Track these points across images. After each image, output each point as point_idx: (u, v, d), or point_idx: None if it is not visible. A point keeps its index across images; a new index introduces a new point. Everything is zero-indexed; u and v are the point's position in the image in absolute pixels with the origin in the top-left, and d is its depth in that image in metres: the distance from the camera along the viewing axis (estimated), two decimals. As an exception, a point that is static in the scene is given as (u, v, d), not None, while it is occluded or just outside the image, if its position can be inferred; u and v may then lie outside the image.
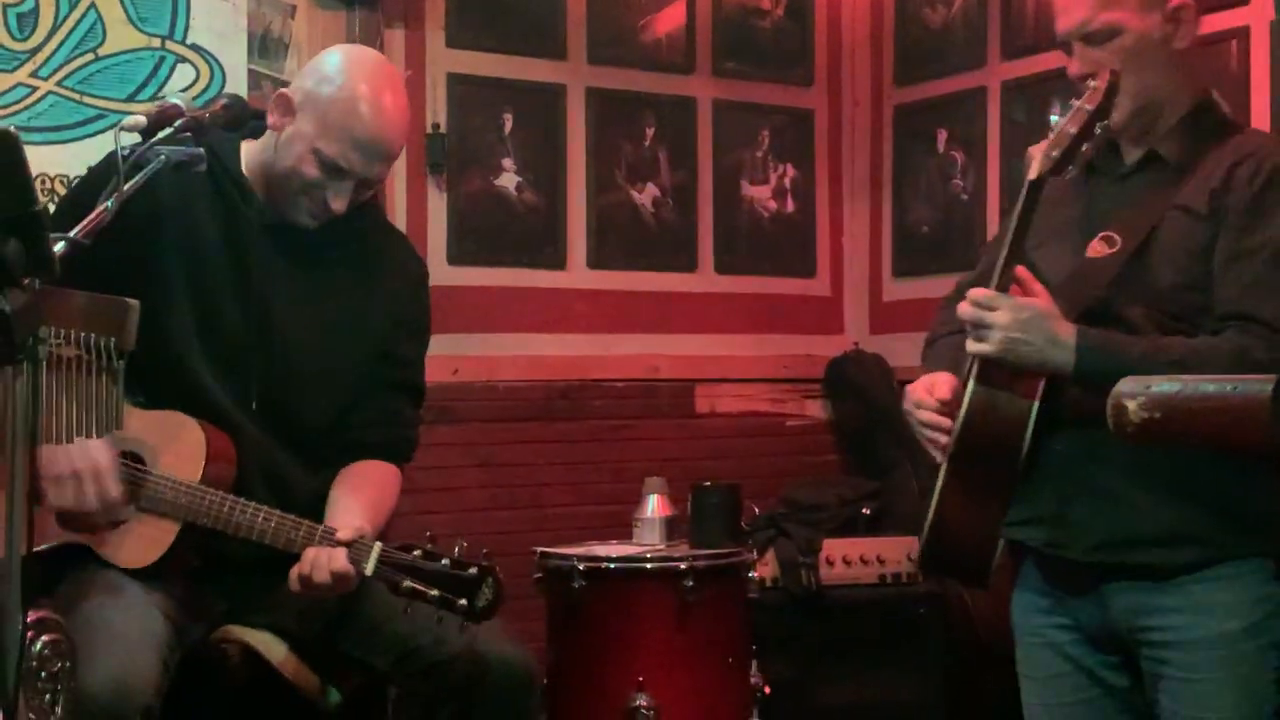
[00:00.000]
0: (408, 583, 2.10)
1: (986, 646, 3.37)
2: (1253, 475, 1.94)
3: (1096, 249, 2.03)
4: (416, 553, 2.12)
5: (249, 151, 2.35)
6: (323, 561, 2.13)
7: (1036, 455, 1.98)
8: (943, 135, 3.95)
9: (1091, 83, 1.99)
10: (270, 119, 2.30)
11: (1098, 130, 1.95)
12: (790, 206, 4.13)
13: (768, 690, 2.88)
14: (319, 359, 2.33)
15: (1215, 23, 3.22)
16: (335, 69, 2.29)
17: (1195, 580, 1.97)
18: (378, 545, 2.13)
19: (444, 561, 2.11)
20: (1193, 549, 1.97)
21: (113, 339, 2.03)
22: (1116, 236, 2.02)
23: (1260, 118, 3.07)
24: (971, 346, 1.97)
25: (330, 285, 2.36)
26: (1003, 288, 1.95)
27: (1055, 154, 1.93)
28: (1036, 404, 1.95)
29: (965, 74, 3.87)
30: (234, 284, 2.30)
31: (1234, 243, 1.95)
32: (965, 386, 1.99)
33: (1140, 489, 1.98)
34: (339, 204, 2.27)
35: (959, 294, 2.28)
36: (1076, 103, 1.96)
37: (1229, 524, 1.96)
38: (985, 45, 3.81)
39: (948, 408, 2.03)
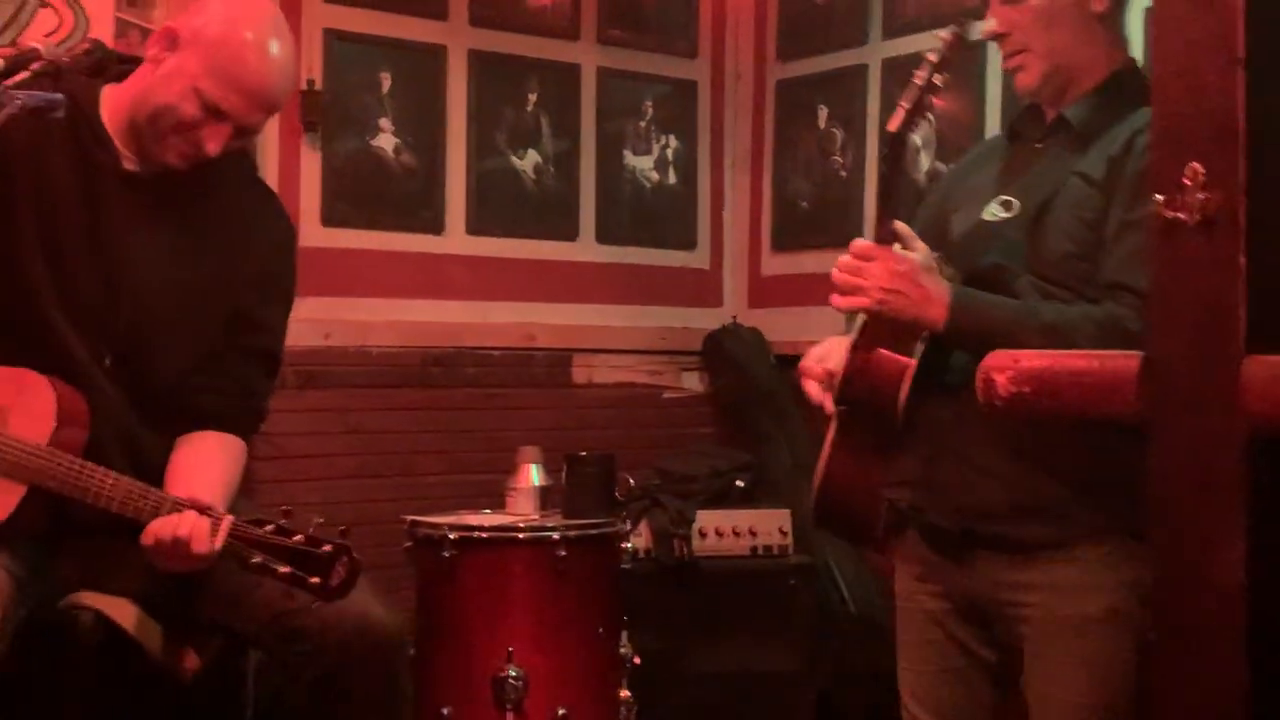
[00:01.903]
0: (258, 558, 2.04)
1: (856, 618, 3.42)
2: (1115, 451, 1.96)
3: (993, 212, 2.04)
4: (269, 527, 2.06)
5: (112, 96, 2.27)
6: (185, 528, 2.06)
7: (913, 417, 1.98)
8: (824, 111, 3.97)
9: (942, 33, 2.00)
10: (150, 51, 2.23)
11: (937, 82, 1.94)
12: (672, 178, 4.11)
13: (638, 660, 2.88)
14: (174, 316, 2.26)
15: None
16: (224, 10, 2.23)
17: (1056, 558, 1.99)
18: (229, 518, 2.07)
19: (297, 537, 2.05)
20: (1049, 524, 1.98)
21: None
22: (1014, 200, 2.03)
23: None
24: (837, 300, 1.96)
25: (190, 240, 2.28)
26: (881, 242, 1.94)
27: (906, 105, 1.93)
28: (914, 363, 1.95)
29: (847, 51, 3.89)
30: (87, 236, 2.21)
31: (1123, 213, 1.95)
32: (851, 345, 1.99)
33: (1002, 459, 1.99)
34: (213, 145, 2.20)
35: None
36: (927, 54, 1.97)
37: (1088, 500, 1.97)
38: (867, 23, 3.83)
39: (833, 379, 2.03)
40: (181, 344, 2.28)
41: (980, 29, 2.14)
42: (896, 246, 1.95)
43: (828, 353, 2.08)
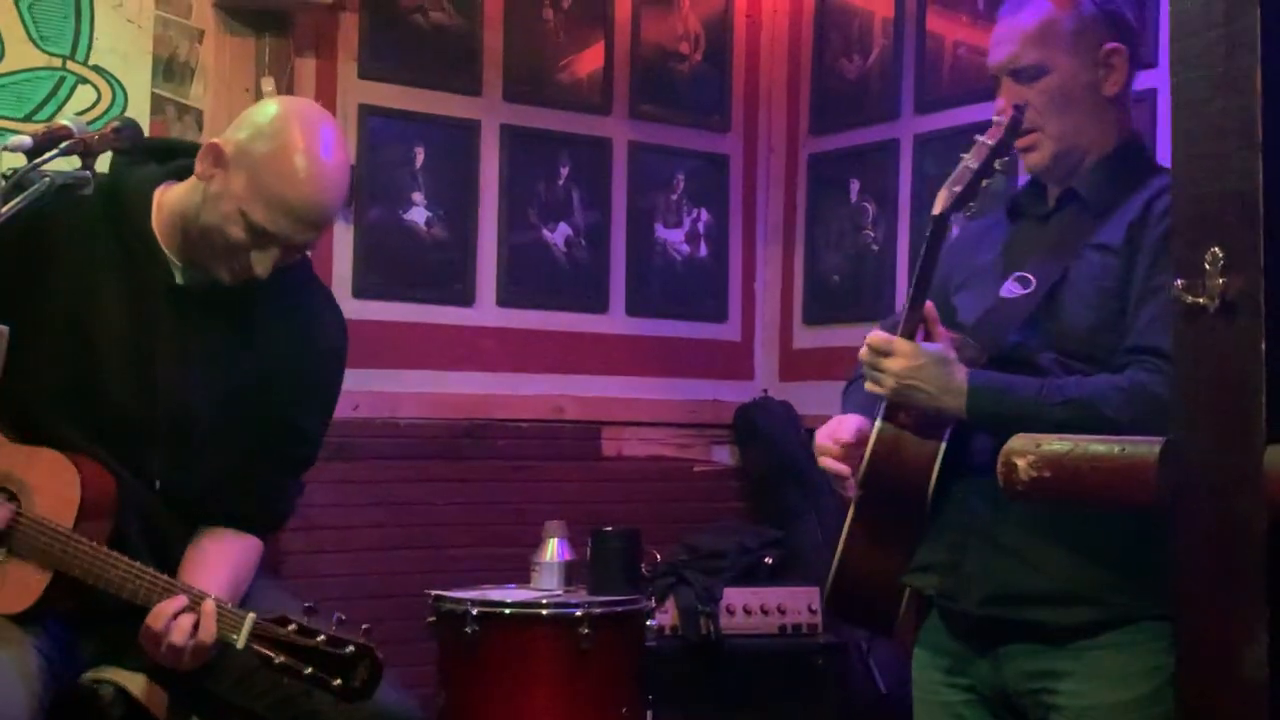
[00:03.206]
0: (281, 659, 2.02)
1: (885, 699, 3.36)
2: (1152, 535, 1.92)
3: (1011, 289, 2.02)
4: (291, 627, 2.03)
5: (169, 197, 2.20)
6: (187, 625, 2.04)
7: (940, 502, 1.95)
8: (855, 185, 3.97)
9: (997, 118, 1.99)
10: (198, 167, 2.14)
11: (997, 166, 1.93)
12: (703, 251, 4.12)
13: (662, 740, 2.84)
14: (216, 431, 2.22)
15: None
16: (271, 125, 2.12)
17: (1090, 645, 1.94)
18: (251, 616, 2.04)
19: (320, 637, 2.02)
20: (1087, 609, 1.93)
21: (-24, 363, 1.94)
22: (1031, 277, 2.01)
23: (1164, 180, 3.11)
24: (868, 385, 1.96)
25: (236, 352, 2.22)
26: (910, 326, 1.92)
27: (957, 189, 1.91)
28: (942, 447, 1.93)
29: (879, 125, 3.90)
30: (127, 348, 2.17)
31: (1145, 278, 1.92)
32: (873, 427, 1.97)
33: (1037, 543, 1.94)
34: (262, 269, 2.12)
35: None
36: (979, 138, 1.95)
37: (1127, 585, 1.92)
38: (899, 98, 3.84)
39: (849, 452, 2.01)
40: (221, 455, 2.24)
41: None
42: (921, 331, 1.93)
43: (839, 427, 2.06)
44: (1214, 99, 1.37)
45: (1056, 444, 1.51)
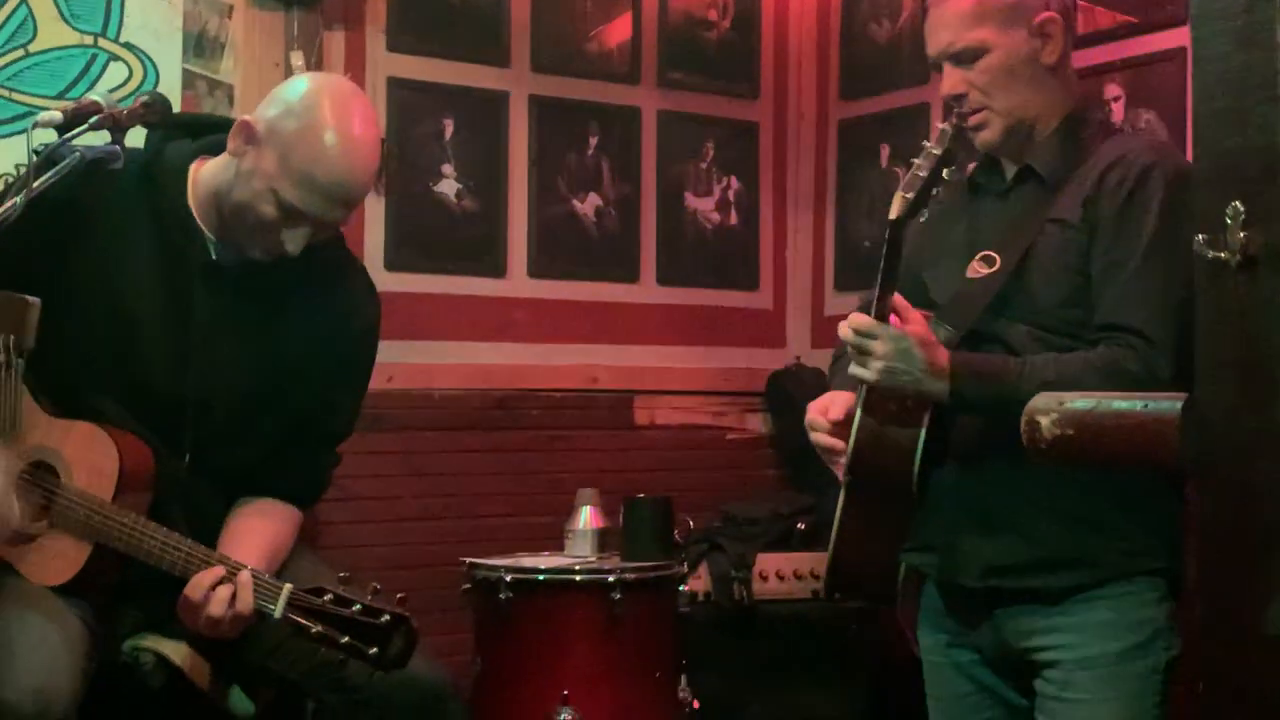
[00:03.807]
0: (317, 628, 2.05)
1: (918, 662, 3.36)
2: (1137, 497, 1.97)
3: (976, 269, 2.05)
4: (327, 597, 2.06)
5: (204, 172, 2.22)
6: (224, 595, 2.07)
7: (928, 482, 1.98)
8: (886, 150, 3.95)
9: (942, 125, 1.99)
10: (231, 144, 2.17)
11: (945, 175, 1.95)
12: (734, 219, 4.11)
13: (696, 705, 2.86)
14: (257, 407, 2.25)
15: (1155, 43, 3.25)
16: (302, 102, 2.14)
17: (1081, 600, 1.99)
18: (288, 587, 2.07)
19: (355, 607, 2.04)
20: (1080, 571, 1.99)
21: (10, 336, 1.97)
22: (995, 255, 2.03)
23: (1196, 139, 3.08)
24: (854, 370, 1.97)
25: (272, 330, 2.24)
26: (881, 318, 1.94)
27: (909, 196, 1.92)
28: (923, 431, 1.96)
29: (909, 90, 3.87)
30: (162, 323, 2.20)
31: (1106, 252, 1.96)
32: (856, 407, 2.00)
33: (1026, 514, 2.00)
34: (293, 246, 2.14)
35: (863, 310, 2.29)
36: (926, 144, 1.97)
37: (1115, 545, 1.99)
38: (929, 61, 3.81)
39: (840, 429, 2.04)
40: (261, 433, 2.27)
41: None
42: (894, 319, 1.96)
43: (830, 403, 2.09)
44: (1234, 53, 1.37)
45: (1080, 402, 1.51)
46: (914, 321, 1.94)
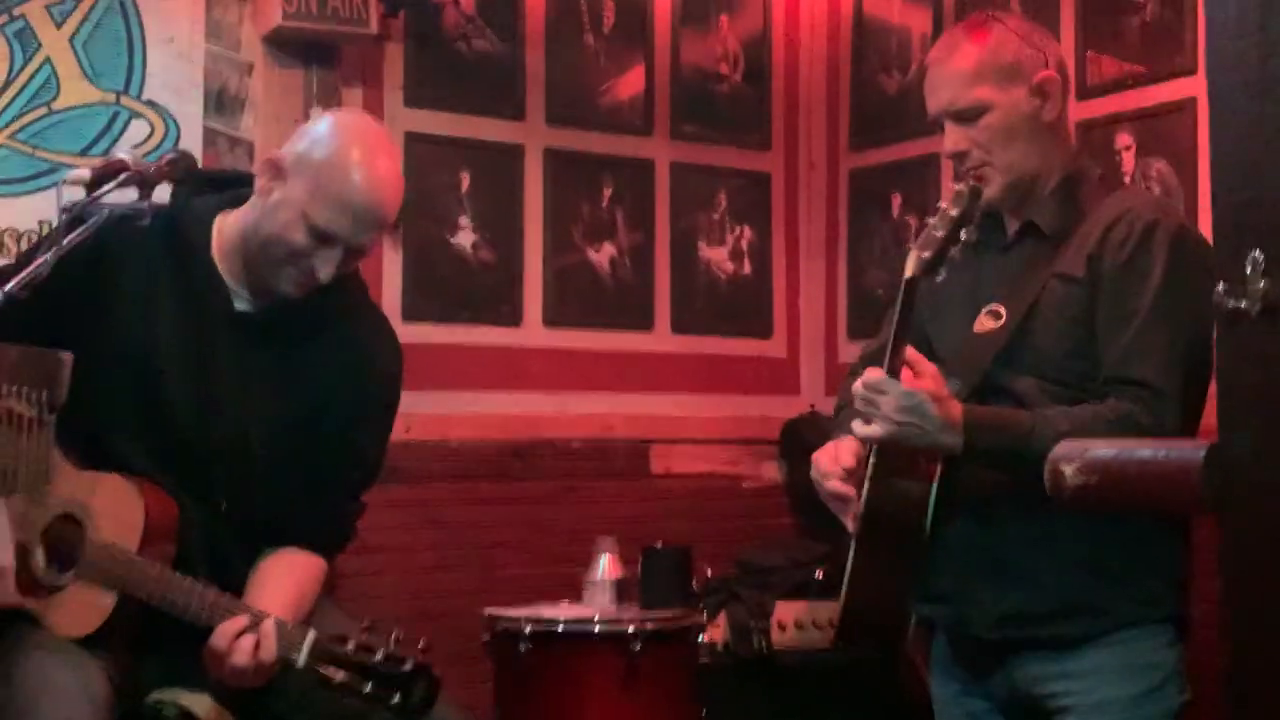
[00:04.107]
0: (341, 676, 2.05)
1: (938, 711, 3.36)
2: (1146, 545, 1.99)
3: (983, 324, 2.07)
4: (350, 645, 2.06)
5: (228, 223, 2.27)
6: (248, 645, 2.08)
7: (938, 533, 2.00)
8: (897, 200, 3.98)
9: (958, 186, 2.02)
10: (258, 183, 2.22)
11: (962, 236, 1.97)
12: (746, 268, 4.14)
13: (716, 755, 2.85)
14: (283, 457, 2.26)
15: (1165, 93, 3.28)
16: (328, 132, 2.22)
17: (1093, 646, 2.01)
18: (312, 634, 2.08)
19: (379, 655, 2.05)
20: (1092, 619, 2.01)
21: (44, 392, 1.99)
22: (1001, 310, 2.06)
23: (1208, 188, 3.09)
24: (859, 430, 1.98)
25: (297, 378, 2.27)
26: (893, 372, 1.95)
27: (926, 255, 1.95)
28: (935, 485, 1.97)
29: (919, 139, 3.91)
30: (189, 375, 2.22)
31: (1111, 307, 1.99)
32: (866, 460, 2.00)
33: (1038, 563, 2.02)
34: (325, 272, 2.17)
35: (863, 363, 2.31)
36: (943, 205, 1.99)
37: (1126, 593, 2.01)
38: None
39: (852, 476, 2.05)
40: (282, 478, 2.27)
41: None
42: (906, 373, 1.97)
43: (838, 451, 2.10)
44: (1250, 103, 1.38)
45: (1103, 450, 1.52)
46: (928, 375, 1.96)
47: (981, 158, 2.08)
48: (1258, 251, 1.35)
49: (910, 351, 1.97)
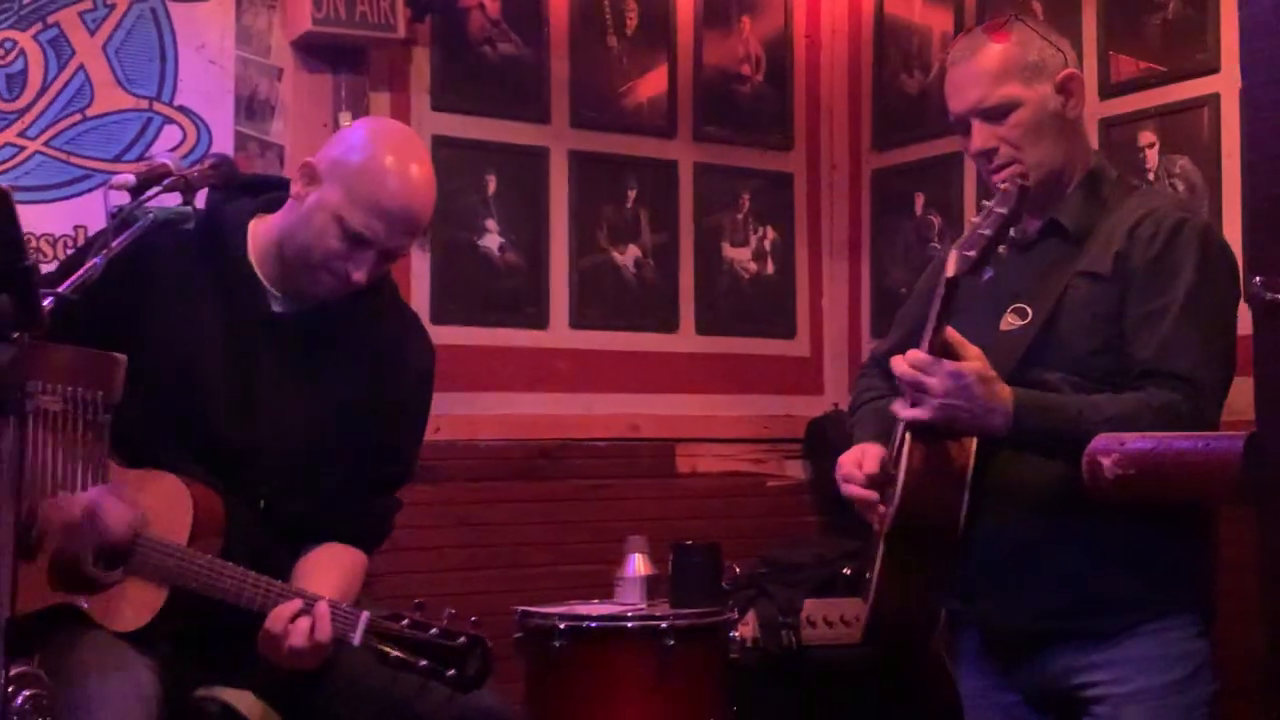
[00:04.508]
0: (396, 653, 2.08)
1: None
2: (1178, 539, 2.00)
3: (1009, 322, 2.08)
4: (404, 621, 2.09)
5: (262, 228, 2.31)
6: (304, 627, 2.11)
7: (972, 529, 2.00)
8: (920, 199, 4.00)
9: (1005, 185, 2.00)
10: (294, 188, 2.26)
11: (1011, 233, 1.96)
12: (770, 268, 4.17)
13: (748, 751, 2.88)
14: (320, 457, 2.29)
15: (1187, 90, 3.30)
16: (362, 138, 2.26)
17: (1126, 637, 2.02)
18: (366, 614, 2.10)
19: (432, 630, 2.07)
20: (1124, 612, 2.02)
21: (99, 393, 2.03)
22: (1027, 308, 2.07)
23: (1231, 183, 3.12)
24: (904, 412, 1.97)
25: (333, 380, 2.30)
26: (935, 352, 1.94)
27: (971, 254, 1.93)
28: (968, 481, 1.97)
29: (942, 139, 3.93)
30: (228, 377, 2.25)
31: (1143, 303, 1.99)
32: (897, 459, 2.00)
33: (1071, 559, 2.02)
34: (360, 275, 2.20)
35: (876, 363, 2.31)
36: (989, 204, 1.97)
37: (1160, 585, 2.01)
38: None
39: (875, 482, 2.06)
40: (320, 476, 2.30)
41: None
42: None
43: (862, 456, 2.10)
44: (1285, 101, 1.41)
45: (1141, 442, 1.54)
46: (973, 356, 1.95)
47: (1010, 155, 2.09)
48: (1294, 245, 1.38)
49: (952, 333, 1.96)
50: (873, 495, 2.05)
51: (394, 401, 2.36)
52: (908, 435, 1.99)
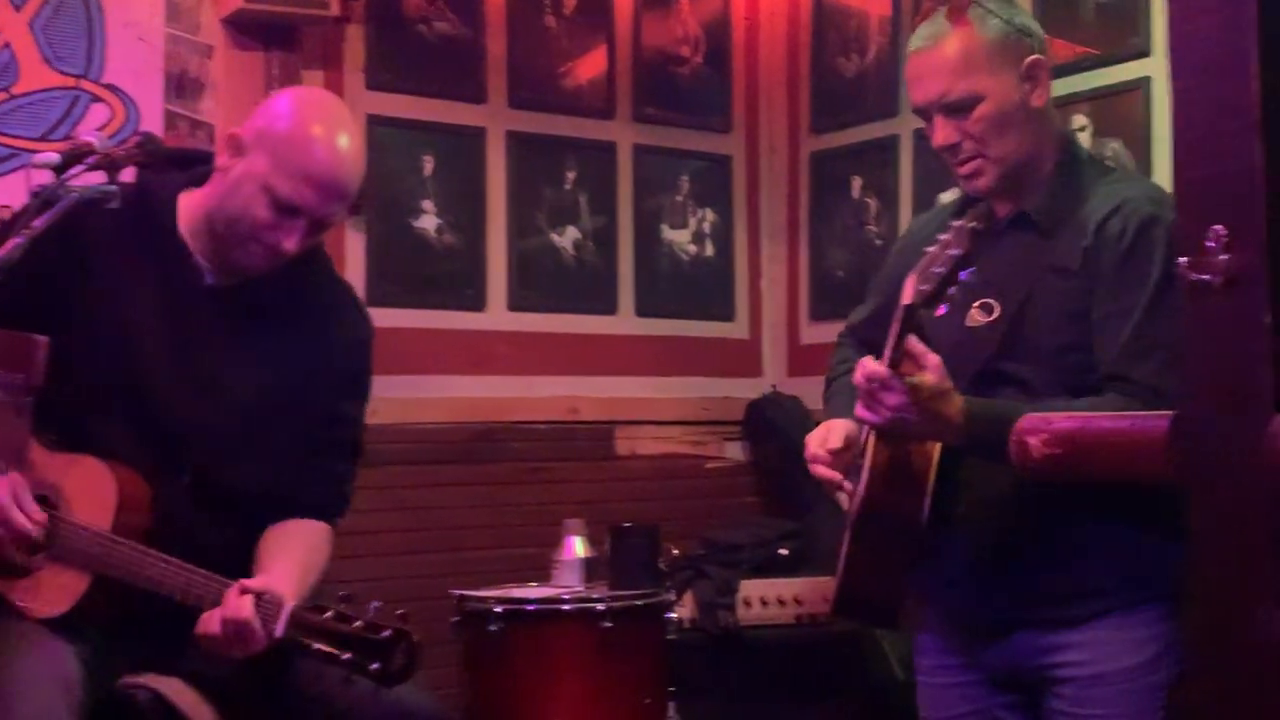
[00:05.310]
0: (319, 645, 2.05)
1: (903, 684, 3.40)
2: (1145, 529, 2.00)
3: (975, 318, 2.05)
4: (329, 614, 2.06)
5: (191, 202, 2.28)
6: (227, 614, 2.08)
7: (937, 518, 2.00)
8: (857, 182, 4.02)
9: (956, 223, 1.94)
10: (219, 159, 2.23)
11: (961, 276, 1.90)
12: (709, 251, 4.17)
13: (686, 731, 2.88)
14: (259, 430, 2.27)
15: (1119, 73, 3.33)
16: (288, 106, 2.24)
17: (1093, 622, 2.02)
18: (289, 605, 2.07)
19: (357, 624, 2.05)
20: (1095, 601, 2.02)
21: (20, 375, 1.99)
22: (994, 304, 2.03)
23: (1162, 167, 3.16)
24: (858, 411, 1.96)
25: (273, 350, 2.28)
26: (894, 365, 1.92)
27: (925, 289, 1.90)
28: (934, 469, 1.97)
29: (878, 122, 3.94)
30: (169, 356, 2.22)
31: (1108, 302, 1.96)
32: (863, 451, 2.00)
33: (1042, 547, 2.02)
34: (291, 244, 2.18)
35: (852, 332, 2.30)
36: (944, 238, 1.91)
37: (1132, 576, 2.02)
38: (898, 95, 3.89)
39: (840, 459, 2.05)
40: (266, 454, 2.28)
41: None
42: (905, 364, 1.94)
43: (828, 433, 2.10)
44: (1212, 83, 1.41)
45: (1067, 422, 1.56)
46: (932, 368, 1.92)
47: (974, 149, 2.04)
48: (1220, 226, 1.39)
49: (913, 343, 1.92)
50: (837, 475, 2.05)
51: (336, 368, 2.35)
52: (873, 433, 1.98)
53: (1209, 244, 1.40)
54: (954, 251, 1.89)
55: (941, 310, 2.00)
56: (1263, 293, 1.36)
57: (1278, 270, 1.37)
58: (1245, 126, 1.38)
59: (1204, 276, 1.39)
